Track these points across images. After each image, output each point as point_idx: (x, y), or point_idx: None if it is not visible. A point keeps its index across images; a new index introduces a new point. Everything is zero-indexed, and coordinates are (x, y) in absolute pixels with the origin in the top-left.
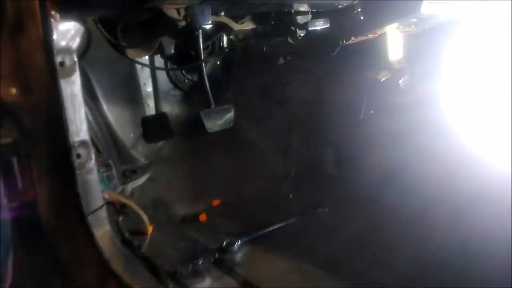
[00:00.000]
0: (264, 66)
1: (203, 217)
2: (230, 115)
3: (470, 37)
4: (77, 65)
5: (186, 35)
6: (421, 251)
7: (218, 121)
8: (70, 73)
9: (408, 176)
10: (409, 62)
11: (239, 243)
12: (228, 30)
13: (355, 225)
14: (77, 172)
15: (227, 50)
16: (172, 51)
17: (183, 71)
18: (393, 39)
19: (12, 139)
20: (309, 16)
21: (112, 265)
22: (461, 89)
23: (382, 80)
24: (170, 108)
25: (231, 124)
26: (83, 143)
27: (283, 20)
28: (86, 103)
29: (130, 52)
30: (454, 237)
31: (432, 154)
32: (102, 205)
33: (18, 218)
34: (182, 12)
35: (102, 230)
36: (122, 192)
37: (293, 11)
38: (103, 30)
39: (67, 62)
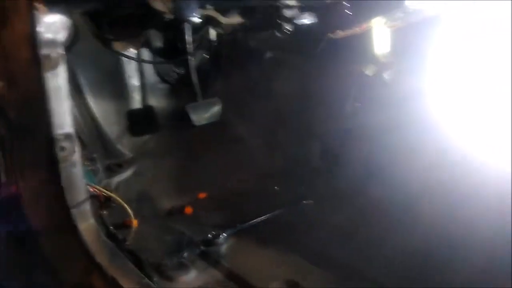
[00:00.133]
0: (251, 60)
1: (188, 210)
2: (217, 108)
3: (455, 31)
4: (62, 58)
5: (173, 28)
6: (406, 243)
7: (204, 115)
8: (55, 66)
9: (393, 169)
10: (395, 56)
11: (224, 235)
12: (215, 23)
13: (341, 217)
14: (61, 165)
15: (214, 43)
16: (159, 44)
17: (170, 64)
18: (379, 33)
19: None
20: (296, 11)
21: (97, 258)
22: (447, 83)
23: (368, 74)
24: (157, 102)
25: (218, 117)
26: (67, 136)
27: (270, 14)
28: (71, 96)
29: (117, 45)
30: (439, 230)
31: (418, 148)
32: (86, 199)
33: (2, 212)
34: (169, 5)
35: (87, 223)
36: (107, 186)
37: (280, 5)
38: (89, 23)
39: (53, 55)
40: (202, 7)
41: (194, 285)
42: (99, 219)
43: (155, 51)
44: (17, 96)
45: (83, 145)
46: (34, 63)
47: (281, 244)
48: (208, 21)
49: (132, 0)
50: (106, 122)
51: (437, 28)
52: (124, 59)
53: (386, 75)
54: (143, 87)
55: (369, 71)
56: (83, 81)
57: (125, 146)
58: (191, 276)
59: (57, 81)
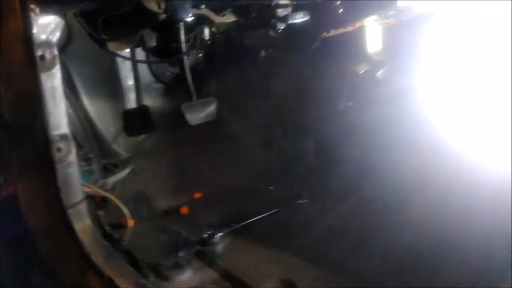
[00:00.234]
0: (246, 59)
1: (184, 210)
2: (212, 107)
3: (447, 29)
4: (57, 58)
5: (168, 28)
6: (399, 241)
7: (199, 114)
8: (50, 66)
9: (387, 168)
10: (387, 55)
11: (220, 235)
12: (209, 22)
13: (335, 215)
14: (57, 165)
15: (209, 42)
16: (154, 44)
17: (165, 64)
18: (372, 31)
19: None
20: (289, 9)
21: (93, 258)
22: (439, 81)
23: (360, 72)
24: (152, 101)
25: (213, 117)
26: (63, 137)
27: (264, 13)
28: (67, 96)
29: (111, 45)
30: (431, 228)
31: (411, 146)
32: (83, 199)
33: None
34: (163, 5)
35: (83, 224)
36: (103, 186)
37: (273, 4)
38: (83, 23)
39: (48, 55)
40: (196, 6)
41: (190, 284)
42: (95, 219)
43: (149, 51)
44: (13, 96)
45: (79, 145)
46: (29, 64)
47: (276, 243)
48: (202, 20)
49: (126, 0)
50: (101, 122)
51: (429, 26)
52: (119, 59)
53: (378, 74)
54: (138, 86)
55: (361, 69)
56: (78, 82)
57: (120, 146)
58: (187, 275)
59: (53, 81)
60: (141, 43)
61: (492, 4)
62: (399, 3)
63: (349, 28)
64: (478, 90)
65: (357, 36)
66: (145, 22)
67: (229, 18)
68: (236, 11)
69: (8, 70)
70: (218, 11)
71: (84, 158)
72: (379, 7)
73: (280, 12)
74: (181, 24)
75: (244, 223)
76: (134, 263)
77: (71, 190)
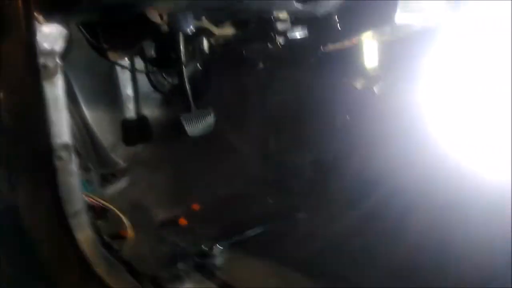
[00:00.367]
0: (244, 71)
1: (182, 221)
2: (210, 119)
3: (443, 45)
4: (59, 67)
5: (167, 38)
6: (400, 255)
7: (198, 126)
8: (53, 75)
9: (386, 180)
10: (384, 70)
11: (218, 247)
12: (208, 34)
13: (333, 228)
14: (59, 174)
15: (207, 53)
16: (153, 54)
17: (164, 74)
18: (369, 47)
19: None
20: (288, 24)
21: (94, 268)
22: (437, 94)
23: (358, 87)
24: (150, 111)
25: (211, 128)
26: (65, 146)
27: (263, 26)
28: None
29: (111, 54)
30: (433, 241)
31: (411, 158)
32: (83, 208)
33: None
34: (165, 17)
35: (84, 233)
36: (101, 196)
37: (272, 17)
38: (84, 32)
39: (50, 64)
40: (196, 18)
41: None
42: (95, 229)
43: (148, 61)
44: (15, 104)
45: (78, 154)
46: (32, 73)
47: (276, 256)
48: (202, 31)
49: (128, 12)
50: (100, 131)
51: (426, 42)
52: (118, 68)
53: (375, 88)
54: (137, 96)
55: (359, 84)
56: (77, 90)
57: (119, 155)
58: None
59: (55, 90)
60: (140, 53)
61: (488, 20)
62: (396, 20)
63: (347, 43)
64: (477, 101)
65: (355, 52)
66: (147, 32)
67: (228, 30)
68: (235, 23)
69: (11, 77)
70: (217, 22)
71: (82, 167)
72: (377, 23)
73: (279, 26)
74: (181, 34)
75: (243, 236)
76: (134, 274)
77: (72, 199)
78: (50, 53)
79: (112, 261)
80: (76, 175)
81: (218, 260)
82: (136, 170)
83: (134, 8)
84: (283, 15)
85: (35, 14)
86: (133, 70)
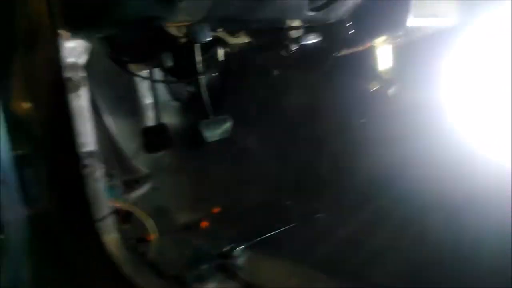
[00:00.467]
0: (259, 77)
1: (204, 224)
2: (228, 125)
3: (456, 47)
4: (84, 80)
5: (185, 49)
6: (415, 252)
7: (216, 131)
8: (77, 88)
9: (401, 181)
10: (397, 73)
11: (241, 248)
12: (224, 43)
13: (351, 227)
14: (86, 181)
15: (223, 62)
16: (171, 64)
17: (182, 83)
18: (382, 51)
19: (25, 150)
20: (302, 31)
21: (123, 270)
22: (448, 97)
23: (372, 90)
24: (170, 119)
25: (229, 133)
26: (91, 154)
27: (277, 34)
28: None
29: (131, 67)
30: (447, 239)
31: (425, 159)
32: (110, 213)
33: (32, 228)
34: (182, 29)
35: (111, 237)
36: (125, 201)
37: (285, 26)
38: (104, 45)
39: (75, 77)
40: (213, 30)
41: None
42: (120, 233)
43: (167, 71)
44: (43, 116)
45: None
46: (58, 86)
47: (295, 256)
48: (217, 41)
49: (148, 26)
50: (122, 140)
51: (439, 45)
52: (137, 79)
53: (389, 91)
54: (156, 104)
55: (373, 87)
56: (99, 101)
57: (140, 162)
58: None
59: (80, 102)
60: (159, 64)
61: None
62: (408, 24)
63: (360, 48)
64: (490, 102)
65: (368, 55)
66: (166, 45)
67: (242, 39)
68: (249, 32)
69: (39, 90)
70: (232, 32)
71: (107, 174)
72: (389, 28)
73: (293, 34)
74: (197, 45)
75: (263, 236)
76: (160, 275)
77: (98, 204)
78: (75, 67)
79: (139, 263)
80: (102, 181)
81: (239, 261)
82: (158, 176)
83: (153, 23)
84: (296, 23)
85: (60, 30)
86: (152, 80)
